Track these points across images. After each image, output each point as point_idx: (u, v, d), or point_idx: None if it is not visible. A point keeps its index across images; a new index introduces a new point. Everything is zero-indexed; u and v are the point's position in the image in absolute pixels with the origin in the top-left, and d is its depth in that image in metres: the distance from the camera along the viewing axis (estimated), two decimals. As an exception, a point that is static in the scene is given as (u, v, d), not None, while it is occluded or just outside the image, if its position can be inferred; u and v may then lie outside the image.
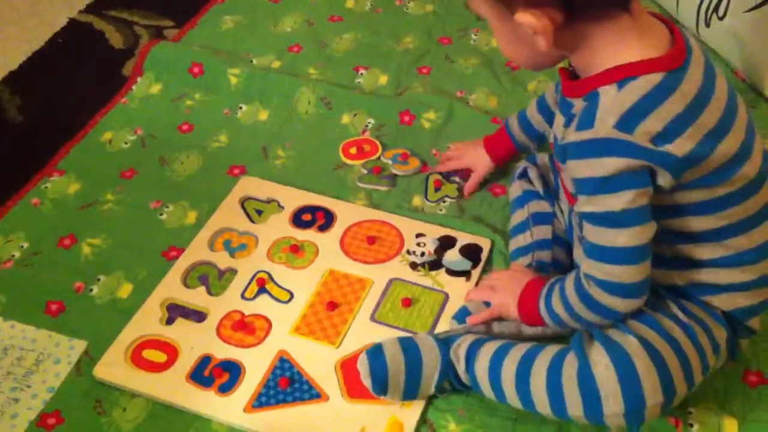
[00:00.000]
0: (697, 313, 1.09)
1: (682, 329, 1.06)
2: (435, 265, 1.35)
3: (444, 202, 1.48)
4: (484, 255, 1.36)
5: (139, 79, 1.75)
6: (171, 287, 1.31)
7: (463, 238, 1.39)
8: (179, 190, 1.50)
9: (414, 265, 1.35)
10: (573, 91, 1.04)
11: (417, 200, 1.48)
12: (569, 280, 1.10)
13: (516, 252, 1.33)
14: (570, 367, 1.04)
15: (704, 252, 1.07)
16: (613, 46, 0.98)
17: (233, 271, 1.34)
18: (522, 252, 1.31)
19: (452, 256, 1.36)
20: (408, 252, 1.37)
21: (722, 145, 1.00)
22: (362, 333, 1.25)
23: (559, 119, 1.08)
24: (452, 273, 1.34)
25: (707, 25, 1.70)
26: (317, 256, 1.36)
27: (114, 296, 1.32)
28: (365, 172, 1.53)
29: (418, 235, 1.40)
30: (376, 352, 1.15)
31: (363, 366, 1.14)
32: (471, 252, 1.37)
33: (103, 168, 1.55)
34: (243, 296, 1.30)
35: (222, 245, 1.38)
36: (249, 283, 1.32)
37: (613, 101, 0.96)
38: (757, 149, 1.05)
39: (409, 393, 1.15)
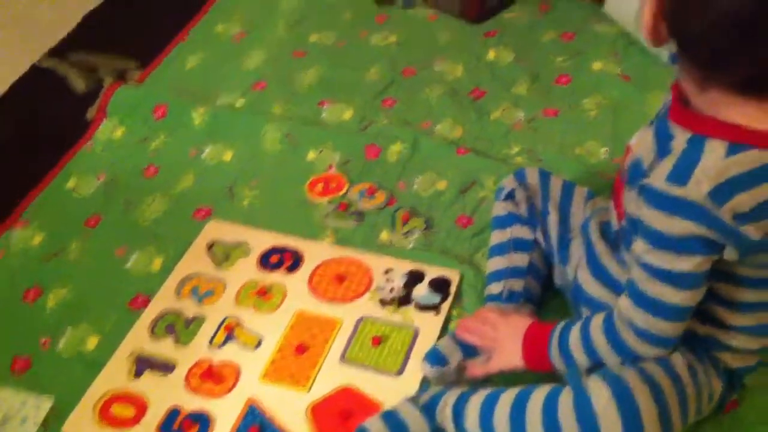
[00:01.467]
0: (704, 362, 1.09)
1: (686, 366, 1.05)
2: (404, 300, 1.35)
3: (412, 235, 1.47)
4: (453, 288, 1.36)
5: (102, 123, 1.74)
6: (138, 338, 1.30)
7: (432, 272, 1.38)
8: (145, 235, 1.49)
9: (383, 302, 1.34)
10: (681, 119, 0.97)
11: (385, 235, 1.48)
12: (595, 325, 1.08)
13: (491, 276, 1.31)
14: (567, 402, 1.02)
15: (733, 318, 1.06)
16: (734, 105, 0.92)
17: (201, 319, 1.33)
18: (496, 277, 1.30)
19: (421, 291, 1.36)
20: (377, 289, 1.37)
21: None
22: (332, 375, 1.24)
23: (648, 136, 1.02)
24: (422, 308, 1.33)
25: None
26: (285, 298, 1.36)
27: (81, 349, 1.30)
28: (332, 209, 1.52)
29: (387, 271, 1.39)
30: None
31: None
32: (440, 285, 1.37)
33: (68, 216, 1.54)
34: (211, 344, 1.29)
35: (189, 292, 1.37)
36: (217, 330, 1.31)
37: (716, 164, 0.90)
38: None
39: None
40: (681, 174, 0.92)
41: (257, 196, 1.57)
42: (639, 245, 0.99)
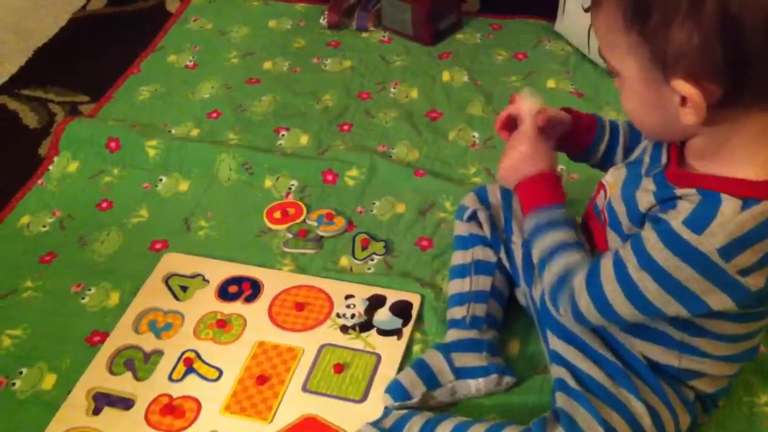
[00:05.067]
0: (671, 398, 1.07)
1: (650, 415, 1.05)
2: (366, 326, 1.34)
3: (372, 260, 1.46)
4: (414, 311, 1.35)
5: (55, 159, 1.71)
6: (96, 375, 1.27)
7: (393, 296, 1.38)
8: (100, 271, 1.46)
9: (344, 329, 1.33)
10: (680, 181, 0.94)
11: (344, 260, 1.47)
12: (561, 267, 1.05)
13: (452, 299, 1.30)
14: None
15: (717, 349, 1.05)
16: (746, 148, 0.90)
17: (160, 353, 1.31)
18: (458, 301, 1.29)
19: (382, 316, 1.35)
20: (338, 315, 1.35)
21: None
22: (295, 405, 1.22)
23: (649, 185, 0.98)
24: (383, 333, 1.32)
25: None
26: (245, 329, 1.34)
27: (37, 389, 1.27)
28: (290, 236, 1.51)
29: (347, 297, 1.38)
30: None
31: None
32: (401, 309, 1.36)
33: (22, 254, 1.51)
34: (170, 378, 1.27)
35: (147, 326, 1.35)
36: (176, 364, 1.29)
37: (733, 218, 0.88)
38: None
39: None
40: (698, 222, 0.89)
41: (214, 227, 1.55)
42: (627, 253, 0.96)
